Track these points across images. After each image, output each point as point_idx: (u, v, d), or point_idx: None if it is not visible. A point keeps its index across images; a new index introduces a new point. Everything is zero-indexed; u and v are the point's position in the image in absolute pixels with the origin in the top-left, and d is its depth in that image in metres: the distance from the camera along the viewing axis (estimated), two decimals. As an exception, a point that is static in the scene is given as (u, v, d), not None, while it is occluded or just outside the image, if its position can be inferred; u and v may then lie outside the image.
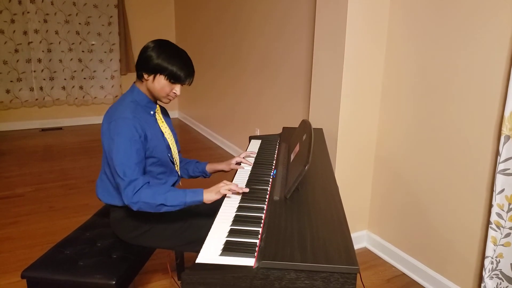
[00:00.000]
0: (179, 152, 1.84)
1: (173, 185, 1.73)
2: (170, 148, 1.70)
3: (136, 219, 1.61)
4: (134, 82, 1.62)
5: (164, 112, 1.76)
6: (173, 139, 1.72)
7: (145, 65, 1.52)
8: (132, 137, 1.47)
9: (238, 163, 1.85)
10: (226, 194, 1.47)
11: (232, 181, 1.57)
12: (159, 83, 1.54)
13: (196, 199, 1.47)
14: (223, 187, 1.47)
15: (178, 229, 1.59)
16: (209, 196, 1.48)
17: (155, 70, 1.52)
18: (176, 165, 1.75)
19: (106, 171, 1.61)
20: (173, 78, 1.53)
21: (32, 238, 2.59)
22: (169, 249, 1.72)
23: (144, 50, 1.54)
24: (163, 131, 1.67)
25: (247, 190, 1.47)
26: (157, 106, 1.68)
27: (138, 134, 1.49)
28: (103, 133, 1.53)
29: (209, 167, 1.88)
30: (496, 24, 1.70)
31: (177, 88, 1.58)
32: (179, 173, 1.77)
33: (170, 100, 1.61)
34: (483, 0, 1.74)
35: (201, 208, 1.77)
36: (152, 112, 1.64)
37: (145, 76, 1.54)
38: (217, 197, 1.48)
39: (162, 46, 1.53)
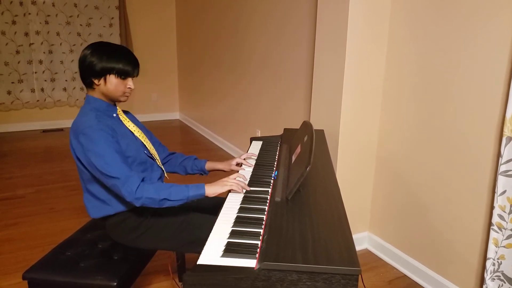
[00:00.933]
0: (160, 146, 1.86)
1: (158, 180, 1.73)
2: (145, 145, 1.70)
3: (133, 222, 1.60)
4: (87, 93, 1.61)
5: (127, 113, 1.77)
6: (144, 136, 1.73)
7: (91, 72, 1.53)
8: (107, 140, 1.48)
9: (239, 164, 1.85)
10: (230, 190, 1.50)
11: None
12: (111, 83, 1.55)
13: (198, 193, 1.49)
14: (230, 181, 1.50)
15: (175, 230, 1.59)
16: (211, 189, 1.50)
17: (103, 73, 1.53)
18: (156, 160, 1.74)
19: (88, 187, 1.60)
20: (123, 74, 1.55)
21: (33, 239, 2.60)
22: (168, 250, 1.72)
23: (83, 58, 1.54)
24: (132, 130, 1.68)
25: (248, 188, 1.51)
26: (118, 108, 1.68)
27: (110, 135, 1.50)
28: (75, 148, 1.51)
29: (209, 166, 1.88)
30: (497, 24, 1.70)
31: (130, 82, 1.60)
32: (162, 167, 1.77)
33: (128, 96, 1.63)
34: (483, 1, 1.74)
35: (198, 207, 1.78)
36: (114, 115, 1.65)
37: (96, 81, 1.55)
38: (222, 190, 1.50)
39: (100, 48, 1.54)
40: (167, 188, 1.46)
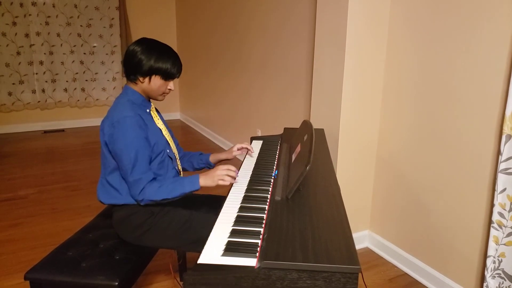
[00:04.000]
0: (177, 145, 1.88)
1: None
2: (169, 144, 1.74)
3: (139, 218, 1.62)
4: (126, 84, 1.65)
5: (157, 110, 1.79)
6: (169, 135, 1.77)
7: (138, 69, 1.57)
8: (138, 135, 1.52)
9: (240, 149, 1.90)
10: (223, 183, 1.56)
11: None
12: (155, 83, 1.60)
13: (193, 189, 1.56)
14: (218, 177, 1.54)
15: (179, 229, 1.60)
16: (206, 182, 1.55)
17: (150, 73, 1.58)
18: (176, 159, 1.78)
19: (106, 177, 1.63)
20: (168, 76, 1.60)
21: (34, 239, 2.60)
22: (171, 248, 1.73)
23: (133, 54, 1.56)
24: (160, 127, 1.71)
25: (237, 175, 1.57)
26: (152, 104, 1.72)
27: (142, 130, 1.55)
28: (106, 134, 1.55)
29: (213, 158, 1.93)
30: (497, 23, 1.70)
31: (171, 84, 1.65)
32: (179, 167, 1.81)
33: (165, 96, 1.68)
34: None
35: (203, 206, 1.81)
36: (148, 110, 1.68)
37: (140, 79, 1.59)
38: (212, 185, 1.56)
39: (150, 47, 1.57)
40: (166, 187, 1.54)
